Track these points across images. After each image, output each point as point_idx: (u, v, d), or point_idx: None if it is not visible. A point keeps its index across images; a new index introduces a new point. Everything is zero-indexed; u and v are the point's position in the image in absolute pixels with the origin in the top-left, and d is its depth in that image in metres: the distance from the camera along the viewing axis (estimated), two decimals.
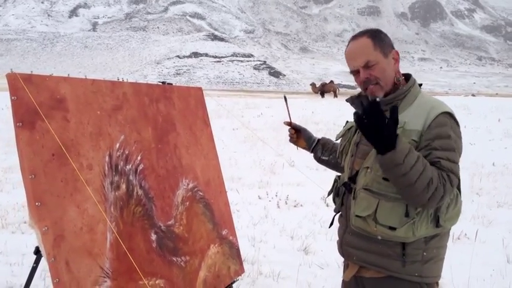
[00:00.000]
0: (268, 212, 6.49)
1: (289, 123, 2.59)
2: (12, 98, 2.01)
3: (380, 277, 2.02)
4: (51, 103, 2.16)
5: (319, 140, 2.62)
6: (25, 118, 2.03)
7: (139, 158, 2.63)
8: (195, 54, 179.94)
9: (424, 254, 1.94)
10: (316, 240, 5.44)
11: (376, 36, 2.03)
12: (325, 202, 7.01)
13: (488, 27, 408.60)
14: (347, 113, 18.29)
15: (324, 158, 2.55)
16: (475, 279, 4.32)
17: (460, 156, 1.92)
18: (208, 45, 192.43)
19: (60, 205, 2.09)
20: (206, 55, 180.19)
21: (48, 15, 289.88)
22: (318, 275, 4.49)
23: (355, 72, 2.07)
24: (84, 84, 2.39)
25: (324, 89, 35.66)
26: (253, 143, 12.59)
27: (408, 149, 1.77)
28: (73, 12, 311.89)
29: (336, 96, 34.45)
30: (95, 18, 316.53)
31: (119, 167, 2.47)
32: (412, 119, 1.93)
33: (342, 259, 4.64)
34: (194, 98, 3.36)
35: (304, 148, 2.63)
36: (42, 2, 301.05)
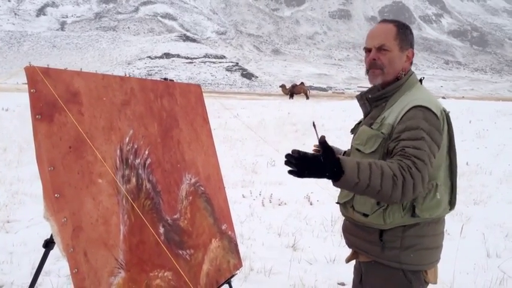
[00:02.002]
0: (254, 210, 6.56)
1: (318, 146, 2.58)
2: (31, 90, 2.03)
3: (369, 261, 2.14)
4: (67, 96, 2.18)
5: (345, 152, 2.59)
6: (44, 111, 2.05)
7: (147, 152, 2.67)
8: (167, 55, 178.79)
9: (402, 241, 2.02)
10: (303, 237, 5.53)
11: (402, 29, 2.10)
12: (308, 201, 7.12)
13: (455, 32, 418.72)
14: (324, 115, 18.56)
15: None
16: (459, 273, 4.48)
17: (436, 146, 1.93)
18: (180, 46, 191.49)
19: (78, 197, 2.11)
20: (178, 56, 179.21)
21: (15, 13, 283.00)
22: (308, 270, 4.58)
23: (367, 50, 2.13)
24: (96, 78, 2.42)
25: (293, 91, 35.79)
26: (232, 143, 12.65)
27: (357, 164, 1.75)
28: (41, 11, 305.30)
29: (308, 98, 34.68)
30: (63, 18, 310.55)
31: (129, 161, 2.50)
32: (391, 113, 2.01)
33: (330, 254, 4.77)
34: (194, 95, 3.41)
35: None
36: (9, 0, 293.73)
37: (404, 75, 2.12)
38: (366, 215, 2.02)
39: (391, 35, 2.07)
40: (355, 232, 2.17)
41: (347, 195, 2.12)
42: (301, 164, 1.70)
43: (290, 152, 1.73)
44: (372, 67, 2.11)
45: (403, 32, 2.10)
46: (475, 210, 6.77)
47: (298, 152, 1.73)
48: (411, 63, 2.17)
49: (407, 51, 2.11)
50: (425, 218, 2.01)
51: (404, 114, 1.95)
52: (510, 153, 11.29)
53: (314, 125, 2.30)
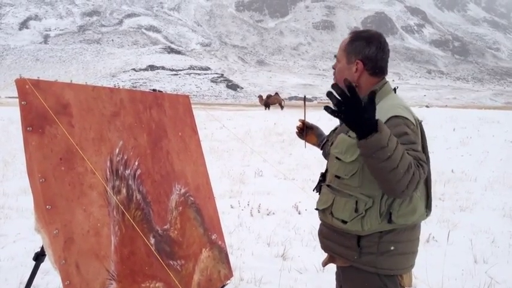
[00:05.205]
0: (242, 221, 6.56)
1: (303, 121, 2.76)
2: (22, 102, 2.03)
3: (345, 266, 2.19)
4: (58, 108, 2.19)
5: (327, 139, 2.73)
6: (35, 123, 2.05)
7: (136, 163, 2.68)
8: (152, 67, 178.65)
9: (379, 247, 2.07)
10: (293, 247, 5.54)
11: (352, 41, 2.18)
12: (296, 210, 7.14)
13: (436, 42, 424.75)
14: None
15: None
16: (447, 279, 4.53)
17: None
18: (165, 58, 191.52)
19: (69, 208, 2.11)
20: (163, 68, 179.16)
21: None
22: (298, 279, 4.59)
23: None
24: (86, 90, 2.43)
25: (268, 101, 35.98)
26: (219, 154, 12.65)
27: (390, 133, 1.80)
28: (23, 25, 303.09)
29: (282, 108, 34.95)
30: (46, 31, 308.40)
31: (119, 172, 2.51)
32: None
33: (320, 263, 4.78)
34: (182, 106, 3.42)
35: (313, 144, 2.78)
36: None
37: (356, 86, 2.10)
38: (344, 222, 2.07)
39: (342, 47, 2.21)
40: (332, 237, 2.21)
41: (326, 201, 2.17)
42: (350, 101, 1.72)
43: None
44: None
45: (352, 44, 2.17)
46: (462, 217, 6.84)
47: (354, 88, 1.73)
48: (372, 74, 2.16)
49: (356, 63, 2.15)
50: (401, 224, 2.06)
51: (385, 123, 1.97)
52: (493, 160, 11.45)
53: (305, 99, 2.39)
